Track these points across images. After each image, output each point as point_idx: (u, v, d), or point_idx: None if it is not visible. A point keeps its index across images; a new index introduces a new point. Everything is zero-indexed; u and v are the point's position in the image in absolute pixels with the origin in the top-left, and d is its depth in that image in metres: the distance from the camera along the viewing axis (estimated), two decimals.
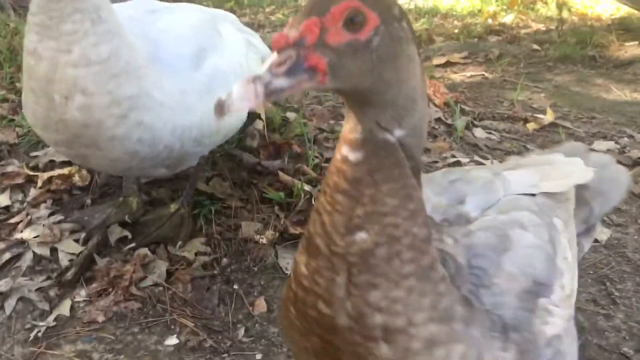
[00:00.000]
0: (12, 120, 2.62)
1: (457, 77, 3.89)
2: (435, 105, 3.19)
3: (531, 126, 3.07)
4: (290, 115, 2.92)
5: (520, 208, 1.19)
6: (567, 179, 1.43)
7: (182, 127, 1.65)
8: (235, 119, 1.99)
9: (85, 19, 1.38)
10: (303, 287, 0.94)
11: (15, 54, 3.26)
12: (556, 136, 2.99)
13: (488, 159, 2.73)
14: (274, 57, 0.78)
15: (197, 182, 2.22)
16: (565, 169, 1.46)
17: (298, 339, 1.02)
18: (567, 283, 1.14)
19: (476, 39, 5.53)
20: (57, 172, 2.27)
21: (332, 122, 2.92)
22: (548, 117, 3.14)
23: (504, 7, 7.93)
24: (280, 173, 2.35)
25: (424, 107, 0.89)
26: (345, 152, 0.87)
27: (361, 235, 0.87)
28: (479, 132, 2.95)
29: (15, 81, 2.98)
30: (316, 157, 2.50)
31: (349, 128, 0.88)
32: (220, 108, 0.74)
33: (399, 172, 0.87)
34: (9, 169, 2.29)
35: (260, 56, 2.25)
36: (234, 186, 2.34)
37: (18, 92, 2.88)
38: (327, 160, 2.49)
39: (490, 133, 2.97)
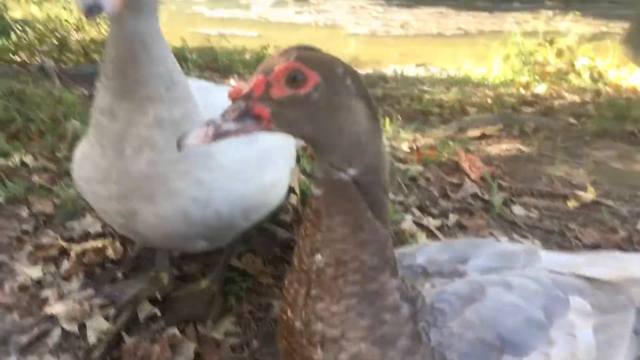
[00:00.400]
0: (51, 190, 2.65)
1: (492, 150, 3.85)
2: (472, 180, 3.13)
3: (572, 204, 2.98)
4: None
5: (526, 276, 1.21)
6: (616, 271, 1.37)
7: (235, 194, 1.66)
8: (280, 193, 1.97)
9: (160, 84, 1.43)
10: (284, 297, 1.13)
11: (57, 124, 3.36)
12: (598, 215, 2.89)
13: (527, 238, 2.64)
14: (228, 106, 0.98)
15: (230, 258, 2.19)
16: (625, 264, 1.39)
17: (278, 343, 1.19)
18: (559, 356, 1.14)
19: (509, 110, 5.52)
20: (91, 244, 2.27)
21: None
22: (589, 195, 3.04)
23: (536, 78, 7.97)
24: None
25: (376, 149, 1.03)
26: (313, 188, 1.05)
27: (318, 257, 1.04)
28: (517, 209, 2.88)
29: (56, 151, 3.04)
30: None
31: (316, 168, 1.06)
32: (178, 143, 0.97)
33: (351, 206, 1.02)
34: (44, 240, 2.30)
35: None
36: (267, 262, 2.30)
37: (58, 162, 2.93)
38: None
39: (529, 210, 2.89)
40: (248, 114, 0.97)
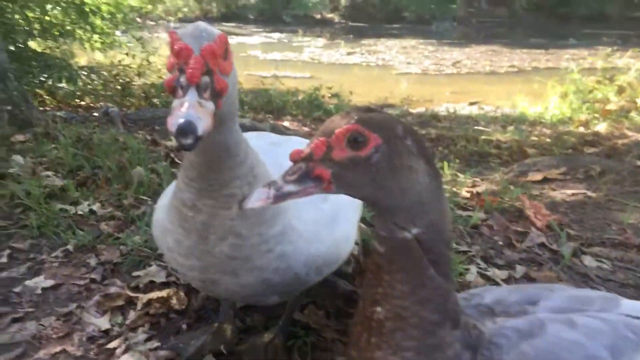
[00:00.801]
0: (118, 238, 2.71)
1: (556, 195, 3.72)
2: (538, 228, 3.02)
3: None
4: None
5: (593, 317, 1.18)
6: None
7: (312, 256, 1.66)
8: (350, 244, 1.96)
9: (243, 183, 1.44)
10: (351, 333, 1.18)
11: (123, 171, 3.46)
12: None
13: (601, 291, 2.50)
14: (289, 167, 1.00)
15: (294, 311, 2.17)
16: None
17: None
18: None
19: (570, 150, 5.36)
20: (157, 294, 2.30)
21: None
22: None
23: (596, 116, 7.74)
24: None
25: (438, 208, 1.03)
26: (376, 244, 1.07)
27: (378, 309, 1.06)
28: (588, 261, 2.75)
29: (123, 199, 3.13)
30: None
31: (377, 225, 1.06)
32: (240, 205, 0.99)
33: (413, 264, 1.03)
34: (112, 289, 2.33)
35: None
36: (329, 315, 2.26)
37: (125, 210, 3.01)
38: None
39: (600, 262, 2.76)
40: (309, 176, 0.98)
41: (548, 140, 5.96)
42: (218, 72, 1.18)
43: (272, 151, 1.85)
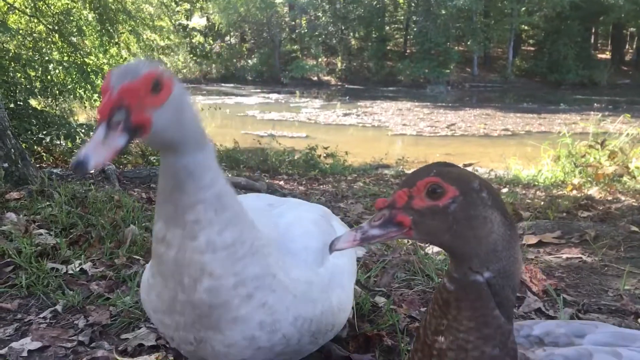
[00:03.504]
0: (108, 299, 2.67)
1: (552, 259, 3.71)
2: (533, 294, 2.99)
3: None
4: (379, 299, 2.82)
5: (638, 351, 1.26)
6: None
7: (303, 318, 1.62)
8: (347, 313, 1.93)
9: (207, 209, 1.43)
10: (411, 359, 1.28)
11: (117, 229, 3.44)
12: None
13: None
14: (374, 215, 1.15)
15: None
16: None
17: None
18: None
19: (565, 214, 5.38)
20: (145, 358, 2.24)
21: (422, 309, 2.79)
22: None
23: (589, 179, 7.82)
24: None
25: (511, 255, 1.13)
26: (445, 281, 1.17)
27: (441, 339, 1.16)
28: None
29: (115, 257, 3.10)
30: (409, 351, 2.35)
31: (451, 267, 1.16)
32: (330, 247, 1.15)
33: (481, 304, 1.12)
34: (99, 353, 2.27)
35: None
36: None
37: (116, 269, 2.98)
38: None
39: None
40: (391, 222, 1.12)
41: (542, 203, 6.00)
42: (141, 107, 1.22)
43: (269, 211, 1.90)
